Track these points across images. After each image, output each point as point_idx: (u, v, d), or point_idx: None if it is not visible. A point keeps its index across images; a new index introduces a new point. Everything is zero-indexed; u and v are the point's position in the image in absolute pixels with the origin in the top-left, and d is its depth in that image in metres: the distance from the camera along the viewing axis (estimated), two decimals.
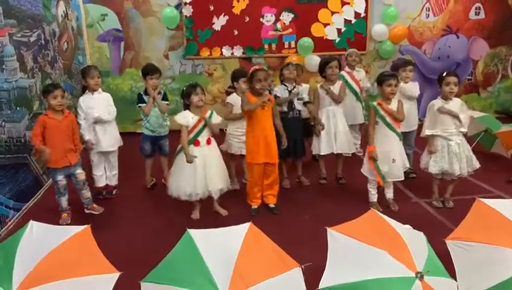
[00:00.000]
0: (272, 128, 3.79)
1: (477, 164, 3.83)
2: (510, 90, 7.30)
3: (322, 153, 4.37)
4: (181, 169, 3.67)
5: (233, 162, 4.38)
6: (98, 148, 4.16)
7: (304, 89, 4.34)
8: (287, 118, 4.17)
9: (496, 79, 7.24)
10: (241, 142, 4.11)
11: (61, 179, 3.73)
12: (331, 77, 4.28)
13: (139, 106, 4.31)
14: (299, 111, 4.30)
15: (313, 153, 4.56)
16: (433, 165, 3.85)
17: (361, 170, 3.94)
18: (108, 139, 4.18)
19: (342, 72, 4.92)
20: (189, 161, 3.58)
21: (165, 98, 4.40)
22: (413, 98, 4.46)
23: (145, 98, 4.29)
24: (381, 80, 3.77)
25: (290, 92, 4.25)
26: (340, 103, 4.36)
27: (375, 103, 3.80)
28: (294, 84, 4.31)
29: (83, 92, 4.19)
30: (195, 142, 3.64)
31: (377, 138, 3.79)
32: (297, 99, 4.26)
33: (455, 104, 3.79)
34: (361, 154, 4.96)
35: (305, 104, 4.32)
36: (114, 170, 4.36)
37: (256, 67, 3.78)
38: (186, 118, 3.64)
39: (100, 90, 4.17)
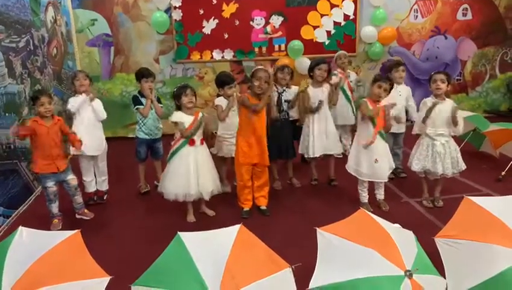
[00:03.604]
0: (264, 130, 3.78)
1: (463, 166, 3.82)
2: (498, 89, 7.40)
3: (311, 156, 4.35)
4: (175, 171, 3.66)
5: (224, 165, 4.37)
6: (84, 153, 4.04)
7: (292, 91, 4.36)
8: (277, 121, 4.18)
9: (484, 79, 7.35)
10: (231, 145, 4.11)
11: (51, 185, 3.69)
12: (318, 77, 4.26)
13: (137, 108, 4.27)
14: (287, 113, 4.34)
15: (305, 156, 4.57)
16: (416, 163, 3.87)
17: (346, 166, 3.96)
18: (95, 143, 4.11)
19: (335, 72, 4.93)
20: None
21: (159, 102, 4.41)
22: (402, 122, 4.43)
23: (142, 100, 4.28)
24: (374, 80, 3.78)
25: (279, 94, 4.27)
26: (335, 104, 4.37)
27: (364, 99, 3.83)
28: (284, 88, 4.32)
29: None
30: (190, 141, 3.64)
31: (361, 135, 3.80)
32: (284, 101, 4.30)
33: (446, 105, 3.77)
34: None
35: (288, 102, 4.33)
36: (103, 175, 4.33)
37: (259, 67, 3.83)
38: (182, 118, 3.63)
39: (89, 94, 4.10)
